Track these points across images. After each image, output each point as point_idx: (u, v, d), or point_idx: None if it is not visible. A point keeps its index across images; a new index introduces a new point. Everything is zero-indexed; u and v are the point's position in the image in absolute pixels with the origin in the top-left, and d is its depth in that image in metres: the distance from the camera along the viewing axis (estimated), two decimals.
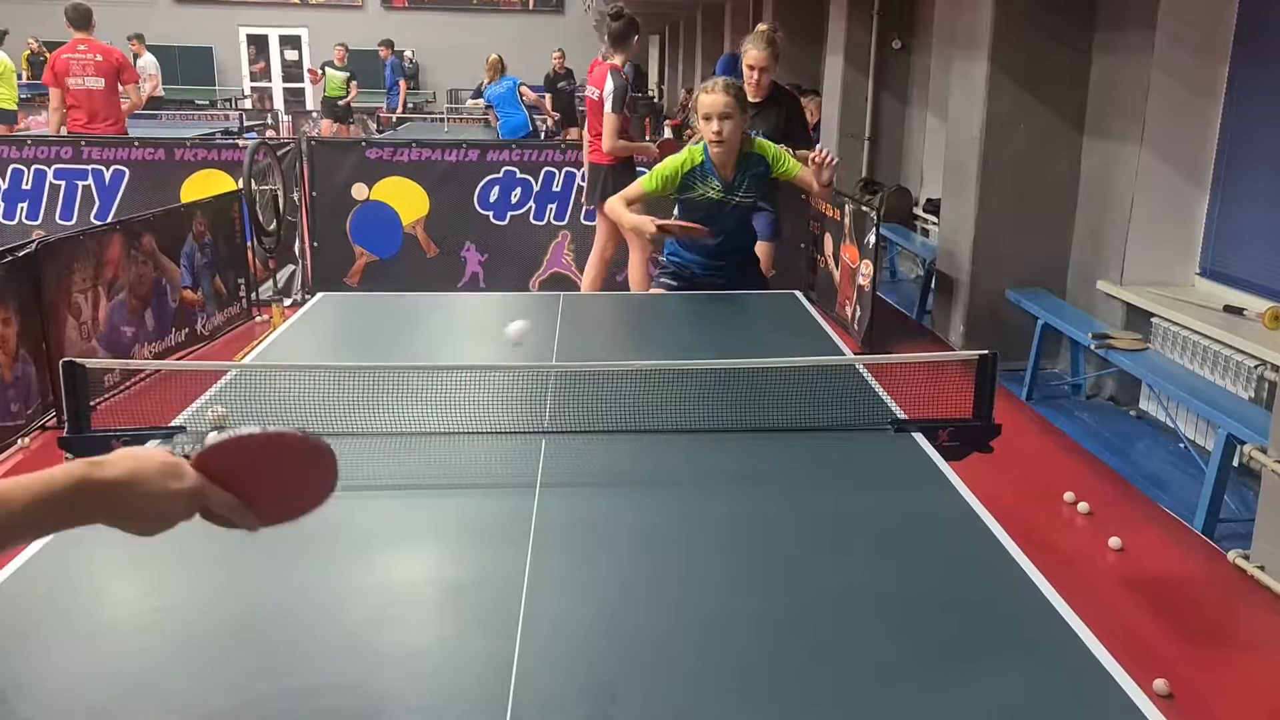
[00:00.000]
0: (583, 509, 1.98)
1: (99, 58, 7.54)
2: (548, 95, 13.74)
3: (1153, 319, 4.88)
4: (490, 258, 6.99)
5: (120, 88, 7.72)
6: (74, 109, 7.55)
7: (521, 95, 11.54)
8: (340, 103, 15.43)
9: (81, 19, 7.52)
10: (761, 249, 4.66)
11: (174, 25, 23.55)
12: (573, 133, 13.09)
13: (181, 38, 23.44)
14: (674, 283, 3.93)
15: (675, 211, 3.86)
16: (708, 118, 3.57)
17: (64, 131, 7.45)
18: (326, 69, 15.56)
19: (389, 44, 16.65)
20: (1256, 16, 4.64)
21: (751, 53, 4.76)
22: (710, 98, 3.57)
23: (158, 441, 2.22)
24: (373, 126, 16.11)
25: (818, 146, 3.90)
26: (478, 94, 14.62)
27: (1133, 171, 5.07)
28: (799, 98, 4.97)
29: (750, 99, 4.42)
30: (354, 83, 15.65)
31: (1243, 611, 3.33)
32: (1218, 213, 4.92)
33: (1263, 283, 4.60)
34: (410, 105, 22.74)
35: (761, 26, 5.05)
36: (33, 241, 4.59)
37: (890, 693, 1.40)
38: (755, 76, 4.74)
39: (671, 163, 3.68)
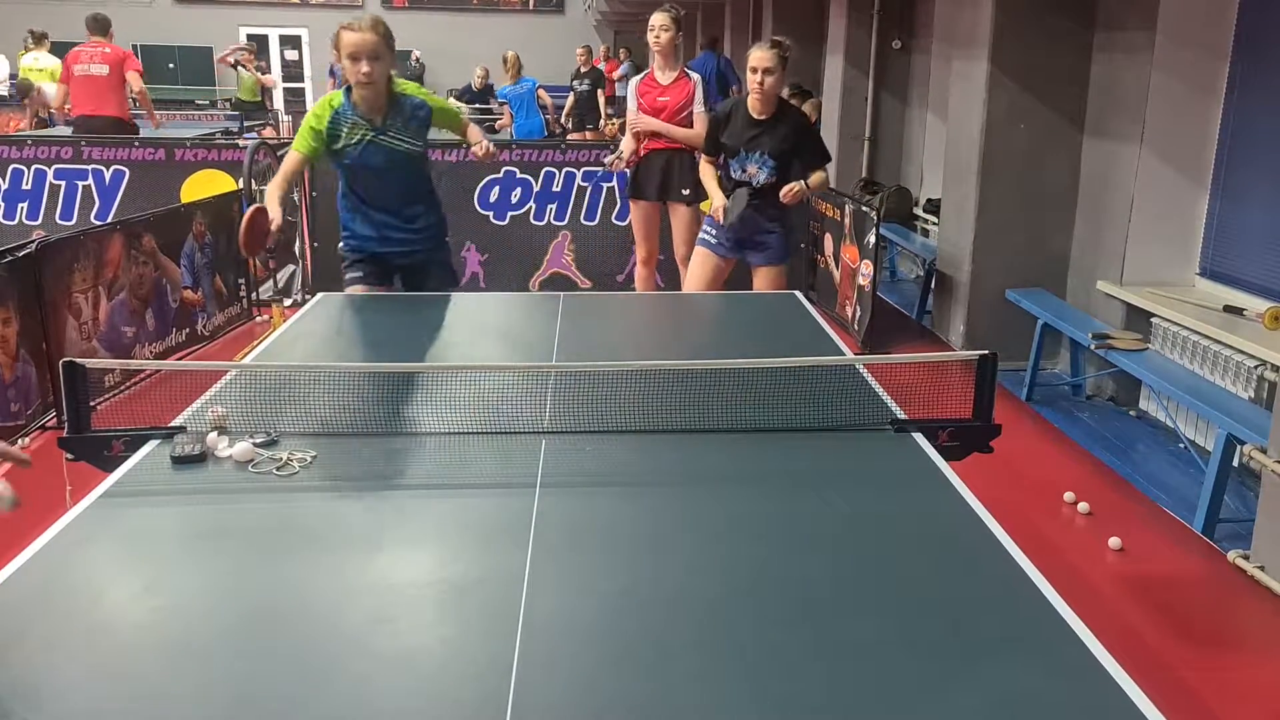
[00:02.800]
0: (583, 509, 1.98)
1: (107, 50, 8.37)
2: (571, 94, 13.64)
3: (1153, 319, 4.88)
4: (490, 258, 6.99)
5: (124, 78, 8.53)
6: (78, 95, 8.20)
7: (539, 99, 11.52)
8: (258, 101, 15.17)
9: (100, 26, 8.48)
10: (769, 274, 4.58)
11: (174, 25, 23.55)
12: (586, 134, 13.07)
13: (181, 38, 23.43)
14: (359, 273, 3.71)
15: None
16: (355, 58, 3.42)
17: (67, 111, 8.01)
18: (239, 70, 15.32)
19: None
20: (1256, 16, 4.64)
21: (756, 53, 4.43)
22: (359, 35, 3.41)
23: (157, 442, 2.22)
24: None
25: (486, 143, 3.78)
26: (468, 97, 14.58)
27: (1133, 171, 5.06)
28: (806, 115, 4.88)
29: (755, 114, 4.37)
30: (269, 76, 15.47)
31: (1243, 611, 3.33)
32: (1218, 213, 4.92)
33: (1263, 283, 4.60)
34: None
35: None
36: (33, 241, 4.59)
37: (890, 692, 1.40)
38: (760, 79, 4.30)
39: (309, 117, 3.59)
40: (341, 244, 3.88)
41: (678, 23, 5.31)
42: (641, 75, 5.53)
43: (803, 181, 4.33)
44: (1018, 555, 1.78)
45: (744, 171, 4.41)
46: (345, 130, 3.57)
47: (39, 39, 10.91)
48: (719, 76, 11.54)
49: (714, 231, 4.55)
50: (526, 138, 10.86)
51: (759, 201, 4.38)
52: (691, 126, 5.22)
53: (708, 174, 4.62)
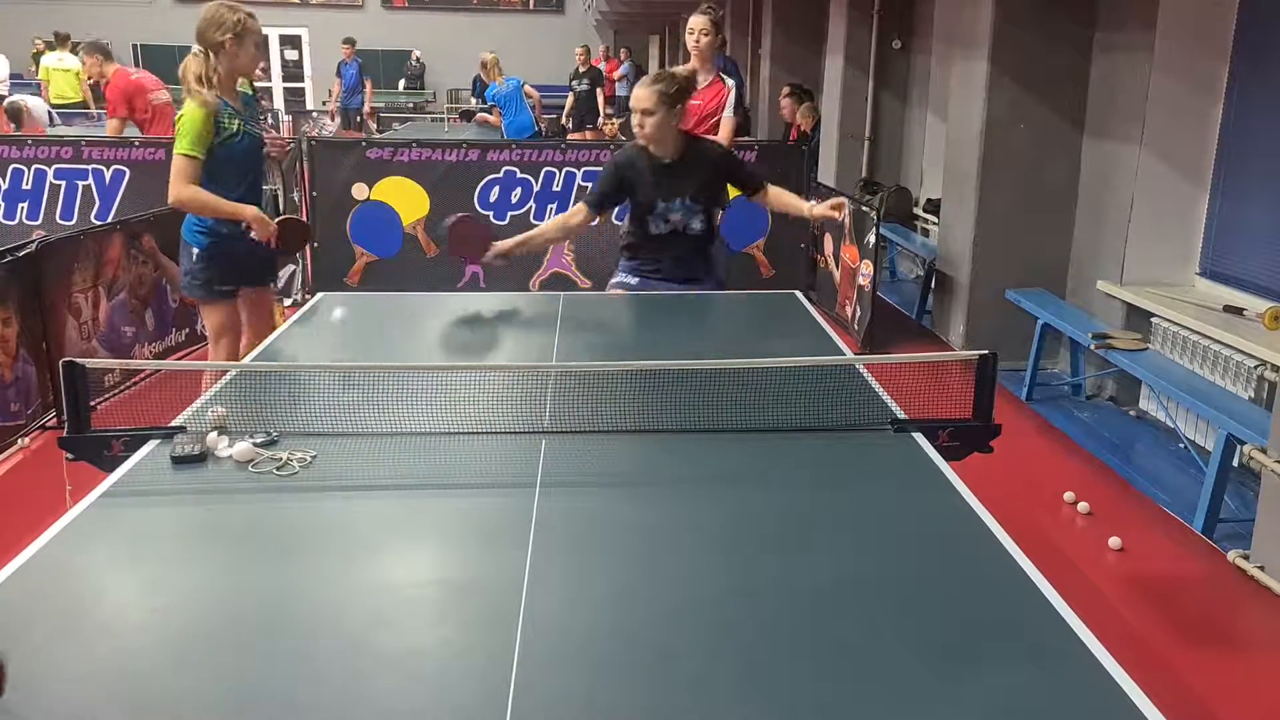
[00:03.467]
0: (583, 509, 1.98)
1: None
2: (570, 94, 13.60)
3: (1153, 319, 4.88)
4: None
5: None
6: (152, 124, 7.54)
7: (526, 95, 11.53)
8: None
9: (106, 51, 7.83)
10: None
11: (174, 25, 23.49)
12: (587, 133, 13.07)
13: (181, 38, 23.33)
14: (230, 286, 3.81)
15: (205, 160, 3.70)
16: (260, 46, 3.78)
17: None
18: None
19: (351, 42, 16.21)
20: (1256, 16, 4.64)
21: (636, 90, 3.76)
22: (260, 26, 3.80)
23: (157, 442, 2.22)
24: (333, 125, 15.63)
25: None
26: (482, 89, 14.50)
27: (1133, 171, 5.06)
28: (718, 143, 4.30)
29: (661, 157, 3.71)
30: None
31: (1243, 611, 3.33)
32: (1218, 213, 4.92)
33: (1263, 283, 4.60)
34: (411, 105, 22.79)
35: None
36: (33, 241, 4.59)
37: (890, 693, 1.40)
38: (639, 121, 3.69)
39: (197, 121, 3.59)
40: (200, 249, 3.78)
41: (717, 26, 5.14)
42: None
43: (810, 202, 3.87)
44: (1018, 555, 1.78)
45: (667, 223, 3.76)
46: (225, 121, 3.66)
47: (62, 40, 10.91)
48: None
49: (632, 281, 3.93)
50: (517, 135, 10.85)
51: (691, 253, 3.84)
52: (717, 131, 5.00)
53: (549, 221, 4.03)
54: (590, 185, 4.04)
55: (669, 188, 3.73)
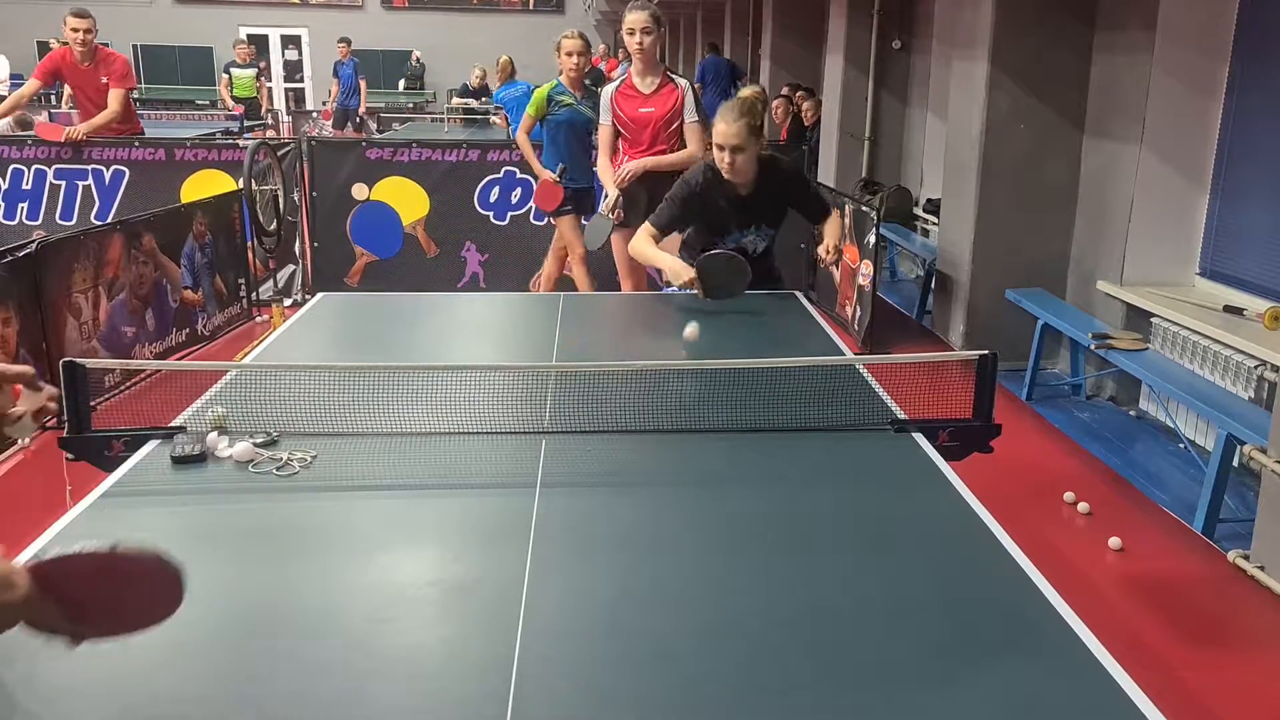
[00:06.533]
0: (583, 509, 1.98)
1: None
2: None
3: (1153, 319, 4.88)
4: (490, 258, 6.99)
5: None
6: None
7: None
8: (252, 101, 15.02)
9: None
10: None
11: (174, 25, 23.57)
12: None
13: (181, 38, 23.45)
14: None
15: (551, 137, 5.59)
16: (569, 53, 5.48)
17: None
18: (231, 70, 15.11)
19: (347, 41, 16.28)
20: (1256, 16, 4.64)
21: (719, 125, 3.47)
22: (574, 41, 5.54)
23: (157, 442, 2.22)
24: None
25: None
26: (464, 93, 14.70)
27: (1133, 171, 5.06)
28: (788, 162, 3.90)
29: (740, 189, 3.56)
30: (262, 79, 15.45)
31: (1243, 611, 3.33)
32: (1218, 213, 4.92)
33: (1263, 283, 4.60)
34: (411, 105, 22.80)
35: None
36: (33, 241, 4.59)
37: (890, 693, 1.40)
38: (729, 158, 3.44)
39: (537, 96, 5.54)
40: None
41: (659, 21, 4.70)
42: (617, 83, 4.87)
43: (829, 241, 3.66)
44: (1018, 555, 1.78)
45: (738, 246, 3.63)
46: (559, 99, 5.54)
47: None
48: (730, 70, 11.62)
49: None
50: None
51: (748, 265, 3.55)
52: (683, 145, 4.70)
53: (645, 245, 3.65)
54: (659, 209, 3.68)
55: (744, 218, 3.61)
